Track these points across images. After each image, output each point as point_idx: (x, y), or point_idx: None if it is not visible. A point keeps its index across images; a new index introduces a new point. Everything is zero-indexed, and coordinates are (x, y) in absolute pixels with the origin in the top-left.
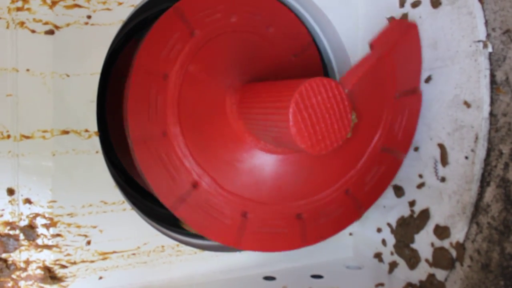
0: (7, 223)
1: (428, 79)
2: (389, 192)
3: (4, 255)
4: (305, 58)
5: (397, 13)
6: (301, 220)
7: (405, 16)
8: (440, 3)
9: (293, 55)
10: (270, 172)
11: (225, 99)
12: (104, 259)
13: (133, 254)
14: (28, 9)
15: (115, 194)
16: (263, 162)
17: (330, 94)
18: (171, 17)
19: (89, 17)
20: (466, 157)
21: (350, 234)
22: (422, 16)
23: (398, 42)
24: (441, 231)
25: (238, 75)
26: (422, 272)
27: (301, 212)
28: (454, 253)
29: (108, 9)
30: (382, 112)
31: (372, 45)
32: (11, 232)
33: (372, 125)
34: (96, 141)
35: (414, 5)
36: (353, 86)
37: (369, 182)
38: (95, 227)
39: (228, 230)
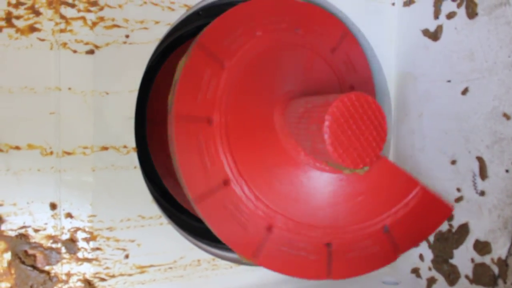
0: (50, 237)
1: (465, 91)
2: None
3: (47, 268)
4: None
5: (432, 24)
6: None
7: (440, 28)
8: (476, 14)
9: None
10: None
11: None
12: (141, 272)
13: (170, 268)
14: (70, 30)
15: (152, 209)
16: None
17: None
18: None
19: (127, 36)
20: (507, 171)
21: None
22: (458, 27)
23: None
24: (482, 247)
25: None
26: None
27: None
28: (496, 269)
29: (145, 28)
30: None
31: None
32: (54, 245)
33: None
34: (134, 156)
35: (449, 16)
36: None
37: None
38: (133, 241)
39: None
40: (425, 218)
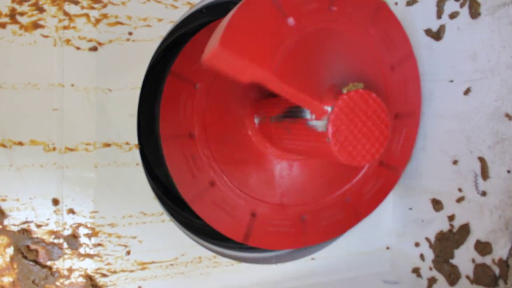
0: (52, 232)
1: (467, 91)
2: (428, 206)
3: (49, 263)
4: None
5: (434, 24)
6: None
7: (442, 27)
8: (479, 14)
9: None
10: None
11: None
12: (143, 269)
13: (171, 264)
14: (74, 27)
15: (154, 206)
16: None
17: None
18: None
19: (130, 33)
20: (508, 171)
21: (387, 248)
22: (460, 27)
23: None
24: (483, 247)
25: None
26: None
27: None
28: (497, 270)
29: (148, 25)
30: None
31: None
32: (56, 241)
33: None
34: (136, 153)
35: (452, 16)
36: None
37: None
38: (134, 237)
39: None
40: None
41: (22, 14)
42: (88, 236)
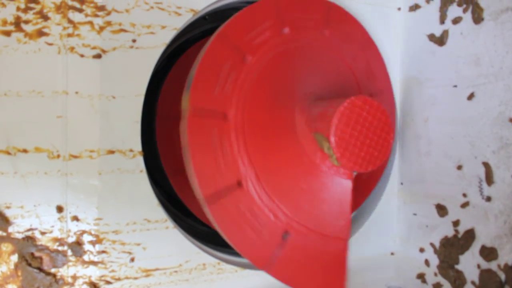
0: (56, 239)
1: (470, 96)
2: (432, 211)
3: (53, 270)
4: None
5: (438, 29)
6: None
7: (446, 32)
8: (482, 19)
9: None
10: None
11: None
12: (147, 276)
13: (175, 271)
14: (78, 35)
15: (158, 212)
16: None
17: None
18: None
19: (134, 41)
20: None
21: (392, 253)
22: (464, 32)
23: None
24: (488, 253)
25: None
26: None
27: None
28: (502, 276)
29: (152, 32)
30: None
31: None
32: (60, 248)
33: None
34: (140, 160)
35: (455, 21)
36: None
37: None
38: (139, 244)
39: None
40: None
41: (27, 22)
42: (92, 243)
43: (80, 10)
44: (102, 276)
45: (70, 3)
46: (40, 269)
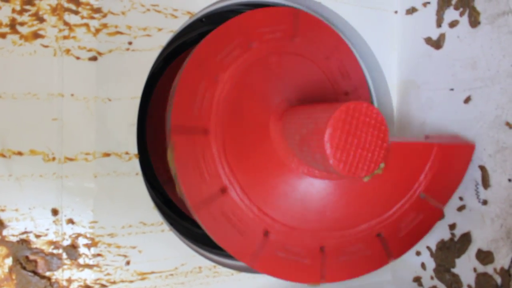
0: (51, 242)
1: (467, 100)
2: None
3: (48, 273)
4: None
5: (434, 32)
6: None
7: (442, 36)
8: (479, 23)
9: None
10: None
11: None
12: (142, 279)
13: (171, 274)
14: (73, 37)
15: (154, 215)
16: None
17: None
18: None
19: (130, 43)
20: (509, 180)
21: None
22: (460, 36)
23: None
24: (484, 256)
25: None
26: None
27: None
28: (498, 279)
29: (148, 35)
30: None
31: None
32: (55, 251)
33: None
34: (136, 163)
35: (452, 25)
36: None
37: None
38: (134, 247)
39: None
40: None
41: (22, 24)
42: (88, 246)
43: (76, 12)
44: (97, 279)
45: (66, 5)
46: (35, 273)
